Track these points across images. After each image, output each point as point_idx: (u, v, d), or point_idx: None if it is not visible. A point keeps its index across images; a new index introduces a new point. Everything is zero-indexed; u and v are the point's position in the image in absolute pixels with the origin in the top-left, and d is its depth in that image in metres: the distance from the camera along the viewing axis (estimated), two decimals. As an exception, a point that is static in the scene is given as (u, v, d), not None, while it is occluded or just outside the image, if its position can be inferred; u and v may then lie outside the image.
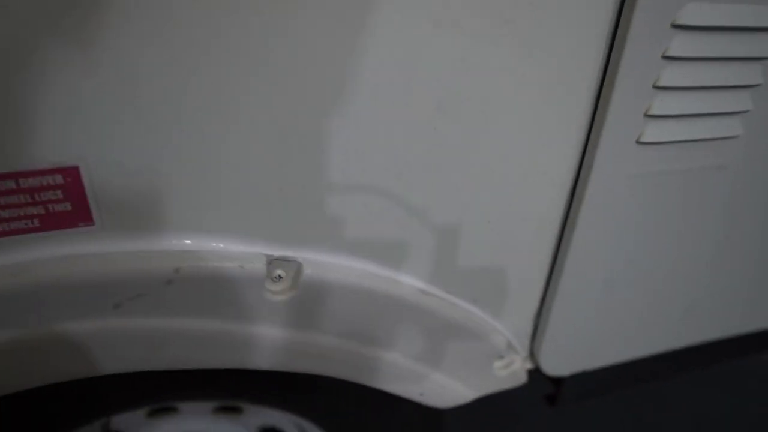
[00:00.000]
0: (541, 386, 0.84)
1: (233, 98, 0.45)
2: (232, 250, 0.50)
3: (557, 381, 0.81)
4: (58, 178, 0.45)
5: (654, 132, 0.57)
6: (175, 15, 0.41)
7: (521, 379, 0.71)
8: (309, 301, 0.54)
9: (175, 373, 0.66)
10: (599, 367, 0.76)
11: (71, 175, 0.45)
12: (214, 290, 0.50)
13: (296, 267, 0.53)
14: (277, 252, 0.53)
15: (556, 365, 0.72)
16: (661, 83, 0.55)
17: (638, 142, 0.58)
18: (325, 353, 0.57)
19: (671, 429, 1.43)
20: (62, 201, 0.46)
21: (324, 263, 0.54)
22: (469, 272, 0.61)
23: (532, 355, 0.72)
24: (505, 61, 0.50)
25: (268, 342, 0.54)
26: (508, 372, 0.69)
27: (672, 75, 0.55)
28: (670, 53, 0.54)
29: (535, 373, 0.75)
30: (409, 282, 0.58)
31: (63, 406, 0.66)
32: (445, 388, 0.66)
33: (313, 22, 0.44)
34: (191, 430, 0.87)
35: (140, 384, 0.67)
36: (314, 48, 0.45)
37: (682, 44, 0.53)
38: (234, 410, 0.86)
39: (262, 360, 0.56)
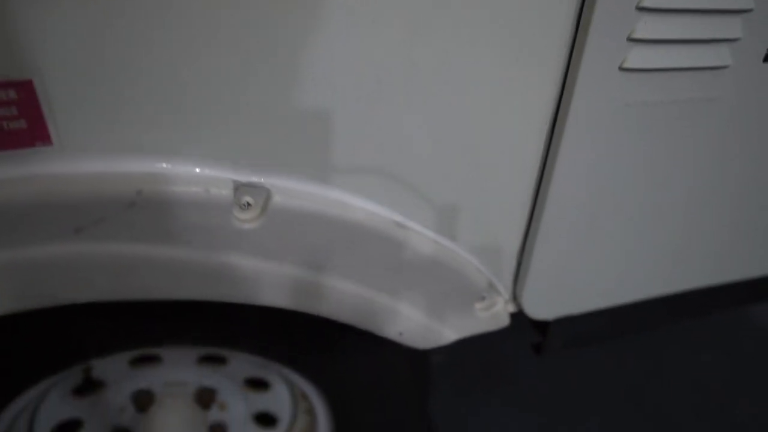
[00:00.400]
0: (528, 336, 0.84)
1: (199, 11, 0.44)
2: (197, 174, 0.49)
3: (543, 329, 0.80)
4: (11, 93, 0.43)
5: (638, 58, 0.55)
6: None
7: (504, 321, 0.70)
8: (278, 230, 0.52)
9: (156, 317, 0.66)
10: (585, 312, 0.75)
11: (25, 89, 0.43)
12: (179, 215, 0.49)
13: (265, 194, 0.51)
14: (246, 178, 0.51)
15: (540, 308, 0.71)
16: (646, 4, 0.53)
17: (621, 69, 0.56)
18: (295, 285, 0.56)
19: (658, 379, 1.44)
20: (17, 118, 0.44)
21: (294, 191, 0.52)
22: (447, 207, 0.60)
23: (515, 298, 0.71)
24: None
25: (236, 272, 0.53)
26: (490, 313, 0.68)
27: (656, -5, 0.52)
28: (655, -29, 0.51)
29: (520, 317, 0.74)
30: (384, 213, 0.57)
31: (38, 349, 0.65)
32: (425, 327, 0.65)
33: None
34: (175, 380, 0.87)
35: (120, 327, 0.66)
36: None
37: (666, -39, 0.51)
38: (218, 360, 0.86)
39: (230, 291, 0.55)
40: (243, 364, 0.86)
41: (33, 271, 0.48)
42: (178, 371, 0.86)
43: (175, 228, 0.49)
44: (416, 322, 0.65)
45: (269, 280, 0.55)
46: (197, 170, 0.49)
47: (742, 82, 0.63)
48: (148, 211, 0.48)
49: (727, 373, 1.49)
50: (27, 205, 0.45)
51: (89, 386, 0.83)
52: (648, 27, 0.54)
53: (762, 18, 0.59)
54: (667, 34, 0.55)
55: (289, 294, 0.56)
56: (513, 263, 0.68)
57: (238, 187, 0.51)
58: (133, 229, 0.48)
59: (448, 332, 0.68)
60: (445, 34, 0.50)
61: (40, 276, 0.48)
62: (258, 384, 0.91)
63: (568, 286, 0.71)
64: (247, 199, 0.51)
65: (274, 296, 0.56)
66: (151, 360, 0.83)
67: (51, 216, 0.46)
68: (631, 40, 0.54)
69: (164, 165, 0.48)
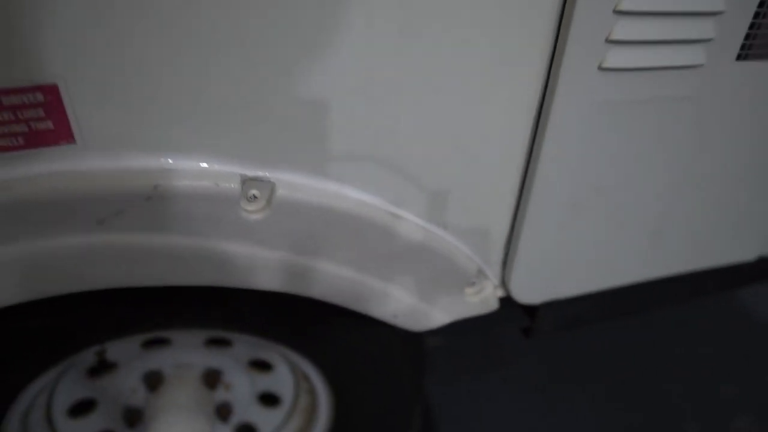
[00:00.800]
0: (518, 320, 0.88)
1: (204, 17, 0.47)
2: (208, 169, 0.53)
3: (532, 313, 0.84)
4: (39, 96, 0.47)
5: (616, 58, 0.59)
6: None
7: (493, 305, 0.75)
8: (282, 220, 0.57)
9: (166, 302, 0.70)
10: (570, 297, 0.80)
11: (51, 92, 0.47)
12: (192, 207, 0.53)
13: (270, 187, 0.56)
14: (252, 172, 0.56)
15: (527, 293, 0.75)
16: (623, 8, 0.56)
17: (600, 68, 0.59)
18: (298, 271, 0.60)
19: (646, 360, 1.50)
20: (44, 119, 0.48)
21: (297, 184, 0.57)
22: (439, 198, 0.64)
23: (504, 283, 0.75)
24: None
25: (243, 260, 0.57)
26: (480, 298, 0.73)
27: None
28: (631, -22, 0.55)
29: (508, 302, 0.78)
30: (380, 204, 0.61)
31: (56, 331, 0.69)
32: (419, 311, 0.70)
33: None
34: (184, 362, 0.91)
35: (131, 311, 0.70)
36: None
37: (641, -32, 0.55)
38: (224, 343, 0.91)
39: (238, 277, 0.59)
40: (247, 346, 0.91)
41: (60, 259, 0.52)
42: (186, 353, 0.90)
43: (188, 219, 0.54)
44: (410, 306, 0.69)
45: (275, 267, 0.59)
46: (208, 166, 0.53)
47: (716, 80, 0.67)
48: (163, 203, 0.52)
49: (711, 353, 1.55)
50: (54, 199, 0.50)
51: (103, 367, 0.88)
52: (625, 29, 0.58)
53: (733, 18, 0.63)
54: (643, 35, 0.59)
55: (293, 280, 0.61)
56: (501, 250, 0.72)
57: (245, 181, 0.55)
58: (149, 220, 0.53)
59: (440, 315, 0.72)
60: (434, 35, 0.54)
61: (67, 264, 0.53)
62: (262, 365, 0.96)
63: (554, 272, 0.76)
64: (254, 192, 0.55)
65: (279, 282, 0.61)
66: (161, 342, 0.87)
67: (76, 209, 0.50)
68: (609, 41, 0.58)
69: (178, 161, 0.52)
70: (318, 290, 0.63)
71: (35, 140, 0.49)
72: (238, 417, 0.99)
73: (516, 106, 0.61)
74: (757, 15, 0.64)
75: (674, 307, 1.57)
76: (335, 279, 0.63)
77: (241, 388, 0.96)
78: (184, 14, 0.47)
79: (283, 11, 0.49)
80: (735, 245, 0.87)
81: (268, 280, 0.60)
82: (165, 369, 0.91)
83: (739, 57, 0.66)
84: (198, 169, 0.53)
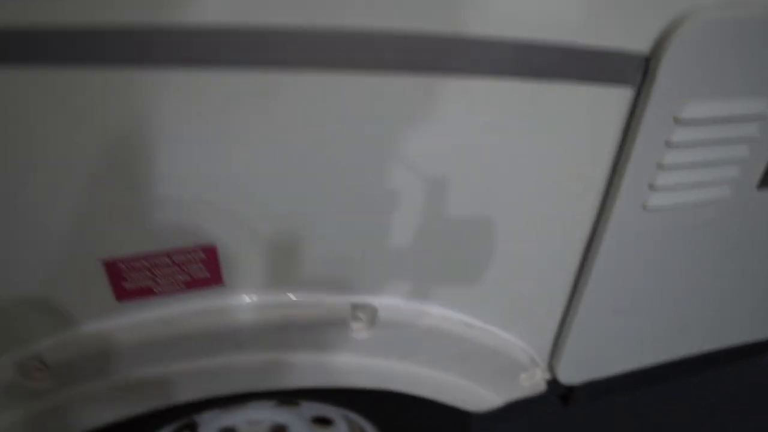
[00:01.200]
0: (557, 388, 1.00)
1: (323, 189, 0.59)
2: (325, 301, 0.65)
3: (570, 386, 0.96)
4: (200, 254, 0.59)
5: (657, 201, 0.70)
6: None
7: (541, 387, 0.86)
8: (382, 337, 0.69)
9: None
10: (608, 376, 0.92)
11: (210, 251, 0.59)
12: (313, 330, 0.65)
13: (372, 311, 0.67)
14: (359, 299, 0.67)
15: (571, 376, 0.87)
16: (665, 162, 0.68)
17: (644, 208, 0.71)
18: (390, 374, 0.72)
19: (672, 425, 1.60)
20: (203, 270, 0.60)
21: (394, 306, 0.68)
22: (504, 307, 0.76)
23: (551, 367, 0.87)
24: (537, 146, 0.63)
25: (349, 367, 0.69)
26: (531, 383, 0.85)
27: (673, 157, 0.68)
28: (673, 140, 0.66)
29: (552, 381, 0.90)
30: (457, 317, 0.73)
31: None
32: (481, 396, 0.82)
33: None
34: (255, 419, 1.03)
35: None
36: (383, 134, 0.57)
37: (682, 135, 0.66)
38: (292, 404, 1.02)
39: (343, 380, 0.71)
40: (312, 406, 1.02)
41: (207, 374, 0.64)
42: (258, 412, 1.02)
43: (310, 339, 0.65)
44: (475, 394, 0.81)
45: (372, 371, 0.71)
46: (325, 298, 0.65)
47: (738, 205, 0.78)
48: (291, 329, 0.64)
49: (728, 400, 1.65)
50: (206, 331, 0.61)
51: (188, 428, 0.99)
52: (666, 179, 0.69)
53: (756, 160, 0.74)
54: (681, 180, 0.70)
55: (386, 380, 0.73)
56: (550, 343, 0.84)
57: (354, 307, 0.67)
58: (279, 341, 0.64)
59: (497, 398, 0.84)
60: (511, 188, 0.66)
61: (210, 377, 0.64)
62: (323, 421, 1.07)
63: (594, 359, 0.87)
64: (360, 314, 0.67)
65: (374, 381, 0.72)
66: (239, 403, 0.99)
67: (222, 337, 0.62)
68: (652, 188, 0.70)
69: (302, 295, 0.64)
70: (407, 387, 0.75)
71: (194, 285, 0.60)
72: (298, 464, 1.10)
73: (572, 237, 0.73)
74: (776, 155, 0.75)
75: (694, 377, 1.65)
76: (420, 377, 0.74)
77: (302, 440, 1.08)
78: (302, 185, 0.58)
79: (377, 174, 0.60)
80: (751, 326, 0.99)
81: (366, 381, 0.72)
82: (238, 425, 1.02)
83: (759, 186, 0.78)
84: (318, 301, 0.65)
